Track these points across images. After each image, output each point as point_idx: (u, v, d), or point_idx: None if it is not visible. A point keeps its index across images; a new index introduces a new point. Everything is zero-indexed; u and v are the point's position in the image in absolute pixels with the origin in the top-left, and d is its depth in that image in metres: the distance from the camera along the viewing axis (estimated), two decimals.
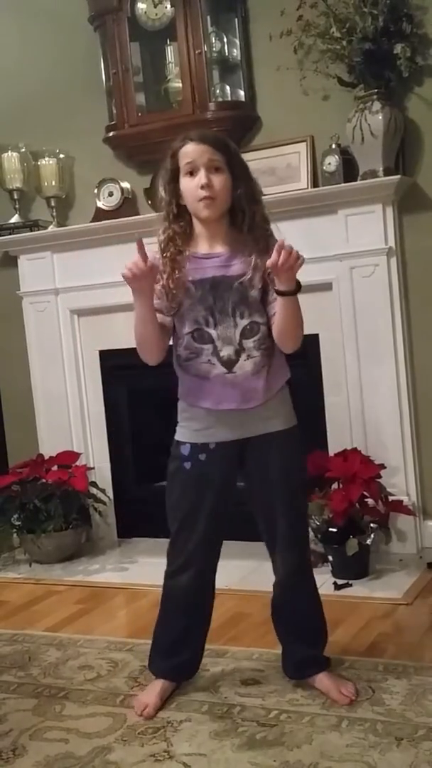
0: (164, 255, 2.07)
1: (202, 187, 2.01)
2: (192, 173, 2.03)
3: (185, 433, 2.16)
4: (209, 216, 2.05)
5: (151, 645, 2.30)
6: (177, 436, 2.19)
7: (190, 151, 2.03)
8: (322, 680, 2.20)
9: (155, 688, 2.23)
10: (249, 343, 2.06)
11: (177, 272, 2.05)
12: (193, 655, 2.28)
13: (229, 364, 2.05)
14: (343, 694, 2.15)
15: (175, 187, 2.08)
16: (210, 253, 2.08)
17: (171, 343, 2.13)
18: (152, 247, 2.07)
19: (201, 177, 2.01)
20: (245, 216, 2.06)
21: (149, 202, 3.58)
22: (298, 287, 1.98)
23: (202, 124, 3.36)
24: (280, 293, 1.98)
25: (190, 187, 2.03)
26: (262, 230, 2.08)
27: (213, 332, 2.05)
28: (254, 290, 2.06)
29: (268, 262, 1.94)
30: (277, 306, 2.02)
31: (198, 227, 2.10)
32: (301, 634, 2.24)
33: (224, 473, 2.15)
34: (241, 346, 2.06)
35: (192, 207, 2.06)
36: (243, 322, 2.05)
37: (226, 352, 2.05)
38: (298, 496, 2.21)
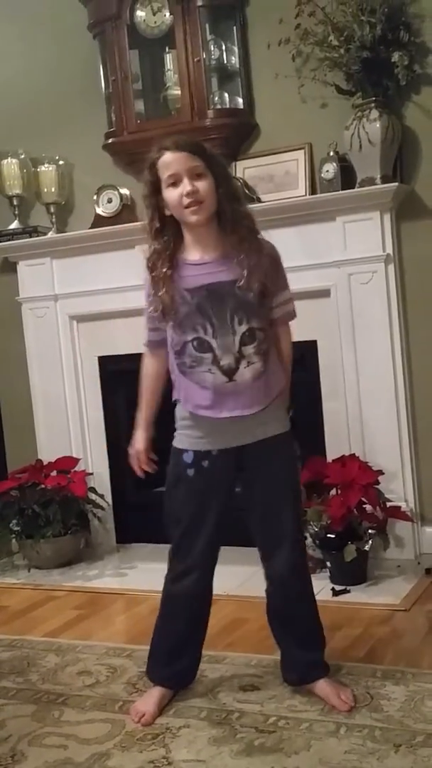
0: (153, 274, 2.09)
1: (188, 195, 2.01)
2: (175, 183, 2.03)
3: (186, 440, 2.16)
4: (198, 220, 2.05)
5: (150, 651, 2.31)
6: (177, 444, 2.19)
7: (170, 162, 2.03)
8: (322, 686, 2.20)
9: (153, 696, 2.23)
10: (248, 350, 2.06)
11: (168, 286, 2.06)
12: (191, 661, 2.29)
13: (230, 372, 2.06)
14: (343, 700, 2.15)
15: (157, 200, 2.07)
16: (202, 259, 2.08)
17: (173, 348, 2.13)
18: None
19: (185, 185, 2.01)
20: (227, 216, 2.07)
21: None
22: None
23: (201, 132, 3.37)
24: None
25: (175, 197, 2.03)
26: (247, 229, 2.08)
27: (212, 341, 2.05)
28: (251, 293, 2.06)
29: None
30: None
31: (188, 235, 2.10)
32: (300, 639, 2.24)
33: (226, 479, 2.17)
34: (241, 353, 2.06)
35: (179, 215, 2.06)
36: (241, 329, 2.05)
37: (226, 360, 2.05)
38: (296, 498, 2.24)
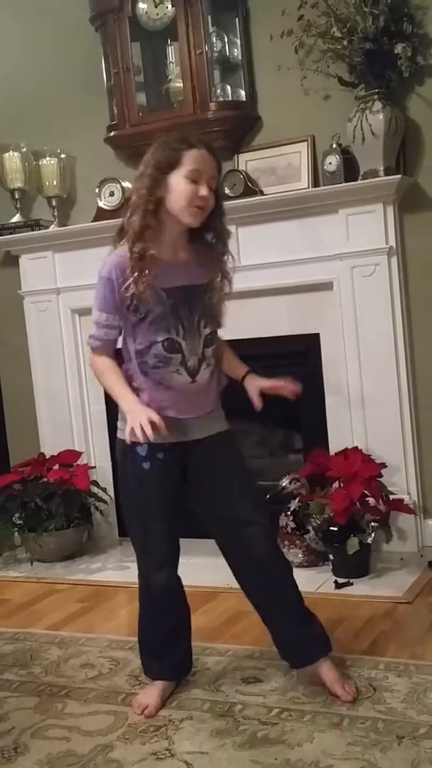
0: (133, 250, 2.02)
1: (203, 199, 2.02)
2: (195, 181, 2.02)
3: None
4: (191, 224, 2.06)
5: (141, 651, 2.31)
6: (128, 437, 2.06)
7: (202, 160, 2.02)
8: (328, 671, 2.19)
9: (155, 689, 2.23)
10: (209, 352, 2.13)
11: (144, 273, 2.01)
12: (185, 651, 2.30)
13: (194, 373, 2.10)
14: (346, 691, 2.15)
15: (165, 180, 2.02)
16: (175, 259, 2.09)
17: (134, 348, 2.09)
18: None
19: (203, 189, 2.02)
20: (216, 231, 2.12)
21: (137, 187, 3.57)
22: None
23: (203, 124, 3.37)
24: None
25: (188, 191, 2.01)
26: (224, 248, 2.13)
27: (182, 342, 2.07)
28: (213, 299, 2.13)
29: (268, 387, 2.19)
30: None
31: (165, 230, 2.06)
32: (290, 618, 2.22)
33: (178, 470, 2.19)
34: (203, 354, 2.11)
35: (178, 209, 2.03)
36: (205, 332, 2.11)
37: (192, 361, 2.09)
38: (253, 485, 2.31)
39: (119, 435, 2.16)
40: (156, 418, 2.01)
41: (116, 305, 2.07)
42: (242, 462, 2.27)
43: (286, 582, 2.22)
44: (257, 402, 2.19)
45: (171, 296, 2.06)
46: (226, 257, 2.14)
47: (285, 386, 2.21)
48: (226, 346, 2.26)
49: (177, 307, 2.06)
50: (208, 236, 2.13)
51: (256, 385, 2.21)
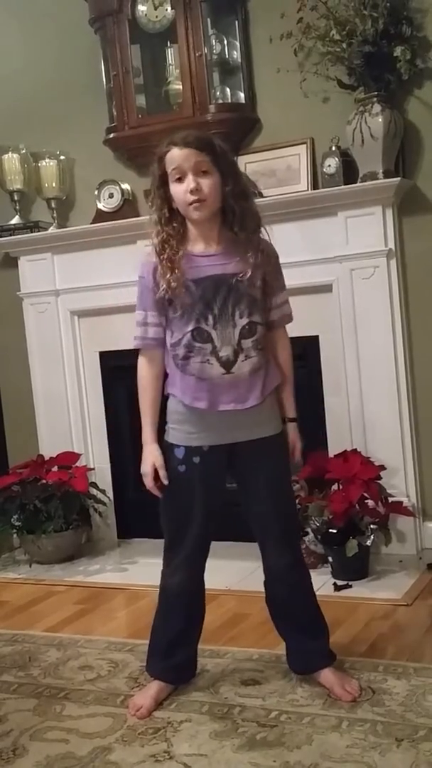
0: (161, 258, 2.07)
1: (191, 192, 2.02)
2: (180, 179, 2.03)
3: (179, 436, 2.16)
4: (200, 217, 2.06)
5: (148, 646, 2.31)
6: (169, 439, 2.18)
7: (176, 157, 2.03)
8: (326, 676, 2.21)
9: (150, 690, 2.24)
10: (247, 344, 2.07)
11: (176, 272, 2.05)
12: (188, 656, 2.30)
13: (228, 364, 2.06)
14: (347, 691, 2.16)
15: (165, 191, 2.08)
16: (206, 251, 2.09)
17: (169, 342, 2.13)
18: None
19: (189, 182, 2.02)
20: (235, 213, 2.07)
21: (150, 203, 3.58)
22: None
23: (203, 126, 3.36)
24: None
25: (179, 192, 2.04)
26: (254, 227, 2.08)
27: (212, 331, 2.05)
28: (254, 289, 2.07)
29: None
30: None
31: (191, 228, 2.11)
32: (304, 627, 2.25)
33: (216, 475, 2.17)
34: (240, 346, 2.06)
35: (183, 210, 2.07)
36: (242, 322, 2.06)
37: (225, 352, 2.05)
38: (289, 498, 2.26)
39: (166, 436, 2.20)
40: (162, 472, 2.14)
41: (154, 300, 2.10)
42: (281, 477, 2.20)
43: (297, 595, 2.23)
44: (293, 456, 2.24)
45: (199, 286, 2.05)
46: (253, 243, 2.06)
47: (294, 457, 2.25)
48: (285, 370, 2.23)
49: (206, 296, 2.05)
50: (234, 221, 2.07)
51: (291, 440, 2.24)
